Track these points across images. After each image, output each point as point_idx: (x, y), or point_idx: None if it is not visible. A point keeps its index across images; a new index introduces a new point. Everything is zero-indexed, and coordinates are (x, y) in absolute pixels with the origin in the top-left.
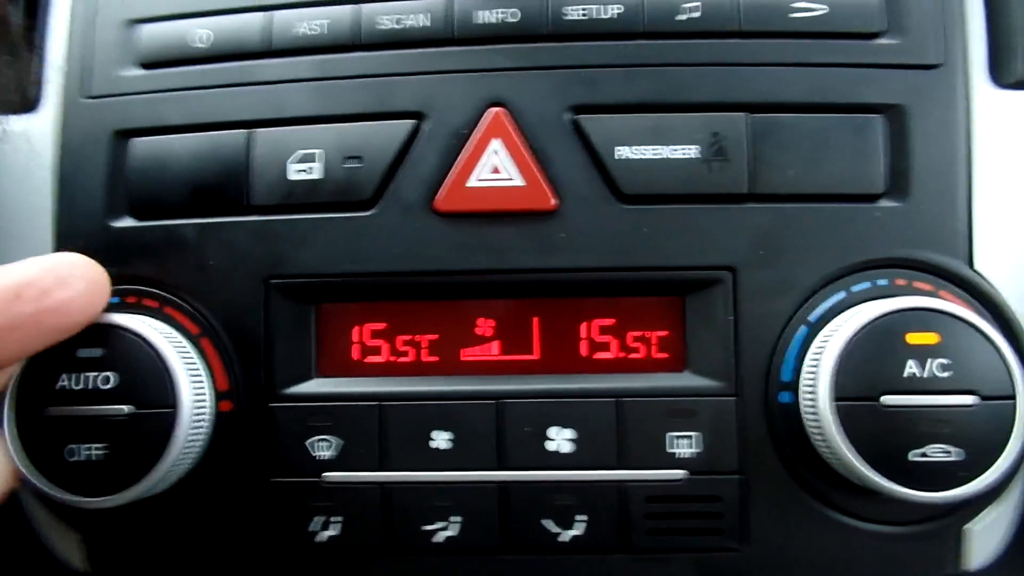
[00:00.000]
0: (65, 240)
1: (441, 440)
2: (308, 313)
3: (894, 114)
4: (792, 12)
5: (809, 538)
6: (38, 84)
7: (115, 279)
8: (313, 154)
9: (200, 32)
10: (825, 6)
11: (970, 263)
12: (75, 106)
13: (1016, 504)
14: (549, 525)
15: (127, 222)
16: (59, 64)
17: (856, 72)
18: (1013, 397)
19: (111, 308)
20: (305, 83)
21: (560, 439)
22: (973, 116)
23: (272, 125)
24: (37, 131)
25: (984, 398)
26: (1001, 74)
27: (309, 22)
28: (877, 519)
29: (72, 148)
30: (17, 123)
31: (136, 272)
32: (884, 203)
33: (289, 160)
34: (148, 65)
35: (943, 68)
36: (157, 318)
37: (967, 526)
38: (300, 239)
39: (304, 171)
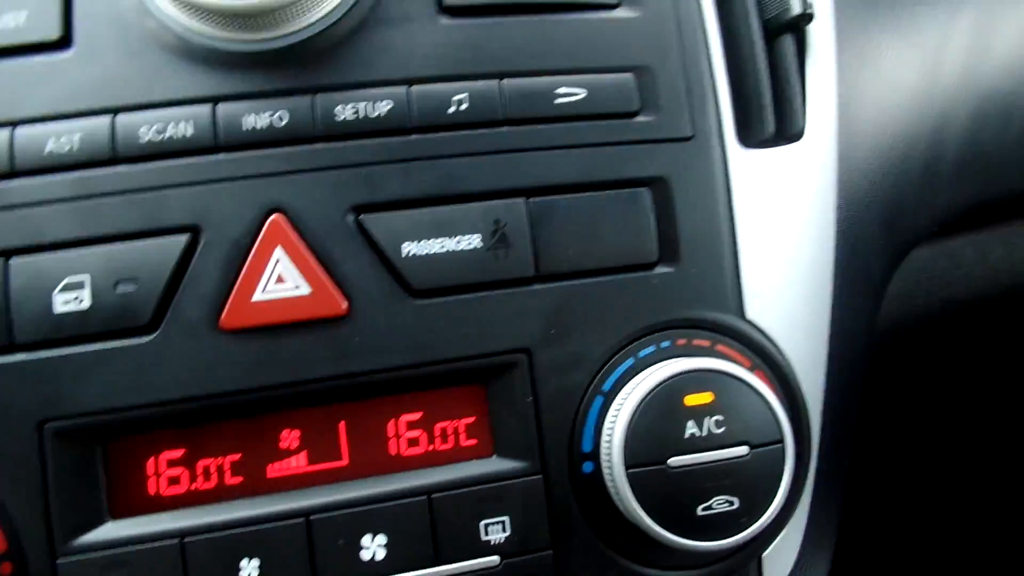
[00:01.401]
0: None
1: (251, 569)
2: (93, 454)
3: (658, 185)
4: (555, 98)
5: None
6: None
7: None
8: (80, 281)
9: None
10: (584, 90)
11: (742, 315)
12: None
13: (801, 522)
14: None
15: None
16: None
17: (619, 149)
18: (781, 441)
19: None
20: (61, 203)
21: (374, 546)
22: (730, 178)
23: (29, 253)
24: None
25: (754, 447)
26: (747, 137)
27: (58, 137)
28: (686, 566)
29: None
30: None
31: None
32: (659, 270)
33: (54, 291)
34: None
35: (696, 139)
36: None
37: (765, 554)
38: (75, 375)
39: (71, 301)
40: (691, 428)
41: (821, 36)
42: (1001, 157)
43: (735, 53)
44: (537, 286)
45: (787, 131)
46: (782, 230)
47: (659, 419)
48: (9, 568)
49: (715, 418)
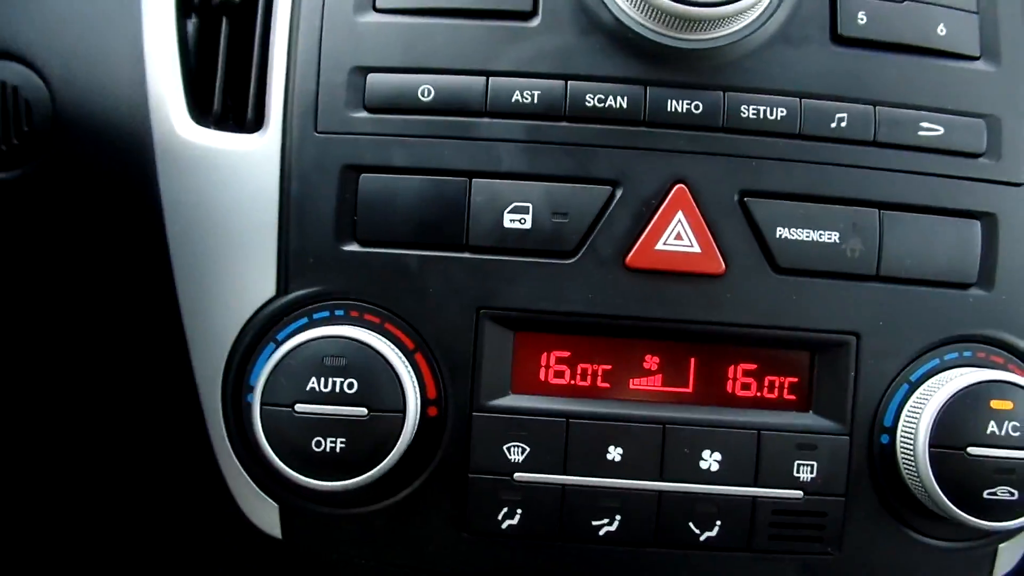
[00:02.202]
0: (297, 257)
1: (615, 454)
2: (509, 339)
3: (988, 220)
4: (919, 130)
5: (888, 549)
6: (258, 106)
7: (342, 295)
8: (526, 207)
9: (424, 87)
10: (942, 127)
11: None
12: (305, 138)
13: None
14: (692, 527)
15: (354, 247)
16: (279, 95)
17: (962, 183)
18: None
19: (336, 320)
20: (518, 143)
21: (711, 460)
22: None
23: (488, 177)
24: (263, 154)
25: None
26: None
27: (522, 91)
28: (942, 538)
29: (302, 175)
30: (242, 142)
31: (361, 290)
32: (973, 291)
33: (505, 210)
34: (374, 110)
35: None
36: (378, 333)
37: (1001, 545)
38: (509, 277)
39: (516, 221)
40: (992, 427)
41: None
42: None
43: None
44: (875, 284)
45: None
46: None
47: (968, 412)
48: (434, 412)
49: (1014, 423)
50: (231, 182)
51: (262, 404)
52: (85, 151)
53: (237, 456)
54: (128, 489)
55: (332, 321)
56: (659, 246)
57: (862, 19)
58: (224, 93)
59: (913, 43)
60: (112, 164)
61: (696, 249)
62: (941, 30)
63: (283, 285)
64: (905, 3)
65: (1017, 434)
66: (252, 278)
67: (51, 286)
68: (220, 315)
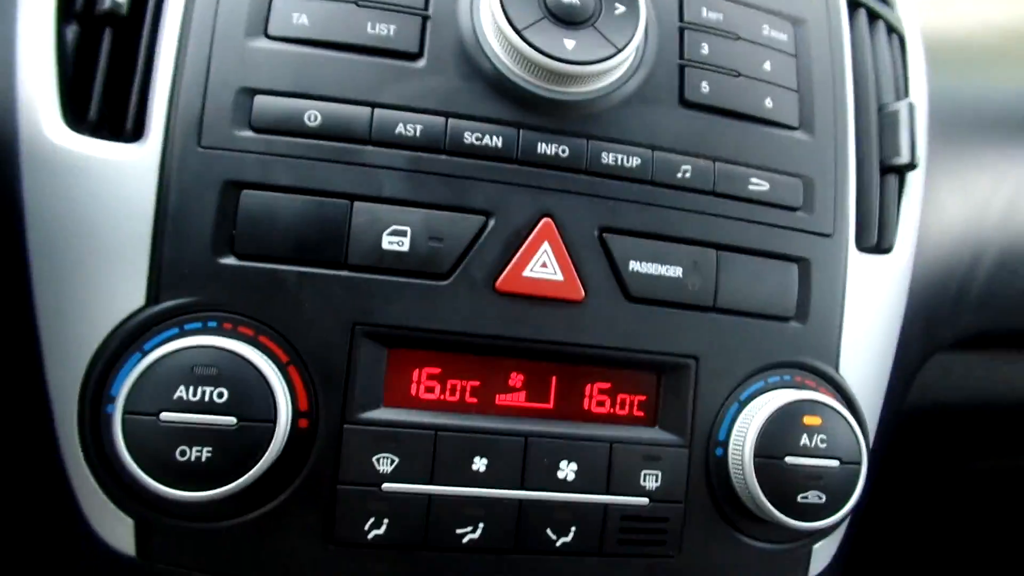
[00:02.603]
0: (171, 268)
1: (480, 464)
2: (383, 355)
3: (803, 264)
4: (749, 184)
5: (722, 551)
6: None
7: (216, 307)
8: (404, 230)
9: (311, 111)
10: (767, 183)
11: (837, 368)
12: (188, 151)
13: (839, 535)
14: (550, 533)
15: (231, 260)
16: (162, 107)
17: (783, 232)
18: (859, 463)
19: (209, 331)
20: (399, 171)
21: (568, 470)
22: (847, 270)
23: (369, 200)
24: (141, 164)
25: (842, 463)
26: (860, 241)
27: (406, 124)
28: (767, 540)
29: (182, 188)
30: (119, 151)
31: (236, 303)
32: (792, 324)
33: (384, 232)
34: (260, 130)
35: (833, 236)
36: (251, 345)
37: (815, 546)
38: (386, 296)
39: (395, 243)
40: (804, 439)
41: (916, 179)
42: (1012, 298)
43: (860, 180)
44: (712, 314)
45: (884, 244)
46: (870, 315)
47: (785, 427)
48: (305, 424)
49: (821, 436)
50: (103, 191)
51: (124, 412)
52: None
53: (91, 469)
54: None
55: (204, 332)
56: (526, 273)
57: (705, 88)
58: (103, 102)
59: (746, 112)
60: None
61: (559, 277)
62: (768, 103)
63: (154, 295)
64: (740, 78)
65: (824, 445)
66: (120, 288)
67: None
68: (81, 324)
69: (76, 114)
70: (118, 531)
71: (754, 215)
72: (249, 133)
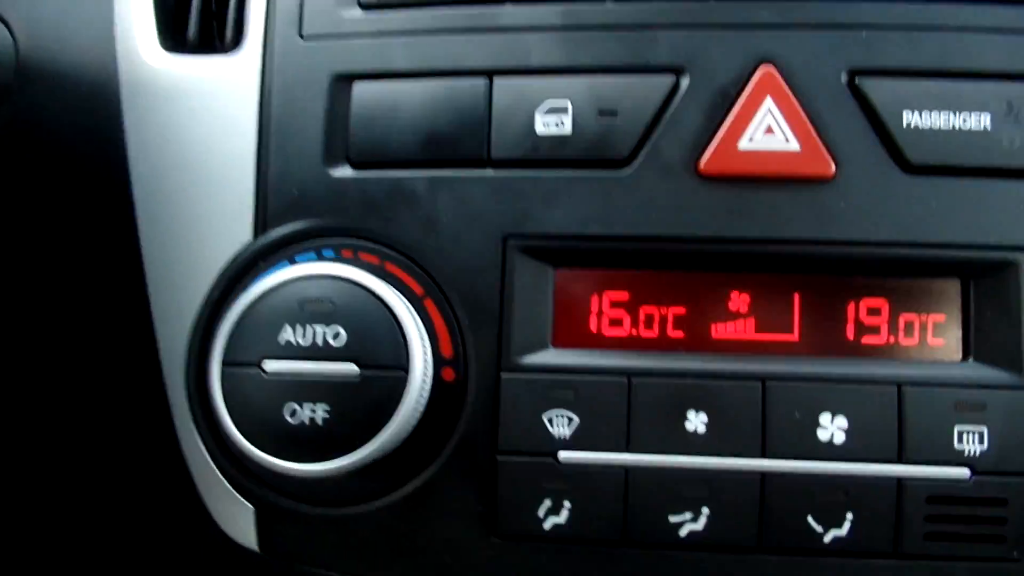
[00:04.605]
0: (277, 189)
1: (697, 422)
2: (548, 277)
3: None
4: None
5: None
6: (238, 24)
7: (331, 231)
8: (563, 105)
9: None
10: None
11: None
12: (288, 46)
13: None
14: (812, 523)
15: (346, 171)
16: (260, 5)
17: None
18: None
19: (325, 261)
20: (550, 31)
21: (833, 427)
22: None
23: (513, 74)
24: (240, 74)
25: None
26: None
27: None
28: None
29: (285, 90)
30: (217, 65)
31: (355, 225)
32: None
33: (537, 111)
34: (367, 6)
35: None
36: (377, 275)
37: None
38: (545, 197)
39: (553, 124)
40: None
41: None
42: None
43: None
44: None
45: None
46: None
47: None
48: (451, 375)
49: None
50: (204, 111)
51: (223, 364)
52: (51, 99)
53: (204, 443)
54: (84, 493)
55: (319, 262)
56: (743, 145)
57: None
58: (201, 19)
59: None
60: (77, 109)
61: (794, 146)
62: None
63: (261, 225)
64: None
65: None
66: (227, 221)
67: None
68: (188, 268)
69: (175, 39)
70: (240, 521)
71: None
72: (357, 12)
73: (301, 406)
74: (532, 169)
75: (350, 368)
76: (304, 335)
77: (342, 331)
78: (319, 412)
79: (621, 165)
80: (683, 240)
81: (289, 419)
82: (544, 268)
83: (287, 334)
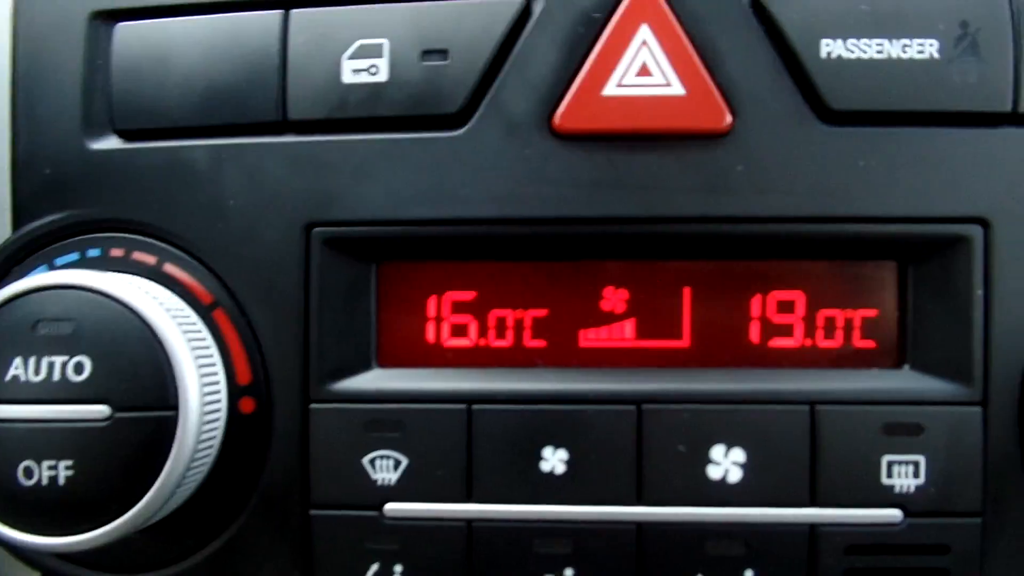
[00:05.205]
0: (28, 166)
1: (555, 460)
2: (367, 276)
3: None
4: None
5: None
6: None
7: (97, 223)
8: (377, 46)
9: None
10: None
11: None
12: None
13: None
14: None
15: (111, 142)
16: None
17: None
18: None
19: (87, 263)
20: None
21: (728, 462)
22: None
23: (314, 4)
24: None
25: None
26: None
27: None
28: None
29: (34, 35)
30: None
31: (124, 214)
32: None
33: (344, 55)
34: None
35: None
36: (154, 280)
37: None
38: (358, 170)
39: (364, 70)
40: None
41: None
42: None
43: None
44: (1011, 128)
45: None
46: None
47: None
48: (250, 406)
49: None
50: None
51: None
52: None
53: None
54: None
55: (83, 266)
56: (610, 89)
57: None
58: None
59: None
60: None
61: (678, 89)
62: None
63: (18, 217)
64: None
65: None
66: None
67: None
68: None
69: None
70: None
71: None
72: None
73: (38, 464)
74: (339, 133)
75: (98, 410)
76: (38, 369)
77: (87, 361)
78: (61, 470)
79: (454, 123)
80: (538, 222)
81: (24, 481)
82: (362, 265)
83: (15, 368)
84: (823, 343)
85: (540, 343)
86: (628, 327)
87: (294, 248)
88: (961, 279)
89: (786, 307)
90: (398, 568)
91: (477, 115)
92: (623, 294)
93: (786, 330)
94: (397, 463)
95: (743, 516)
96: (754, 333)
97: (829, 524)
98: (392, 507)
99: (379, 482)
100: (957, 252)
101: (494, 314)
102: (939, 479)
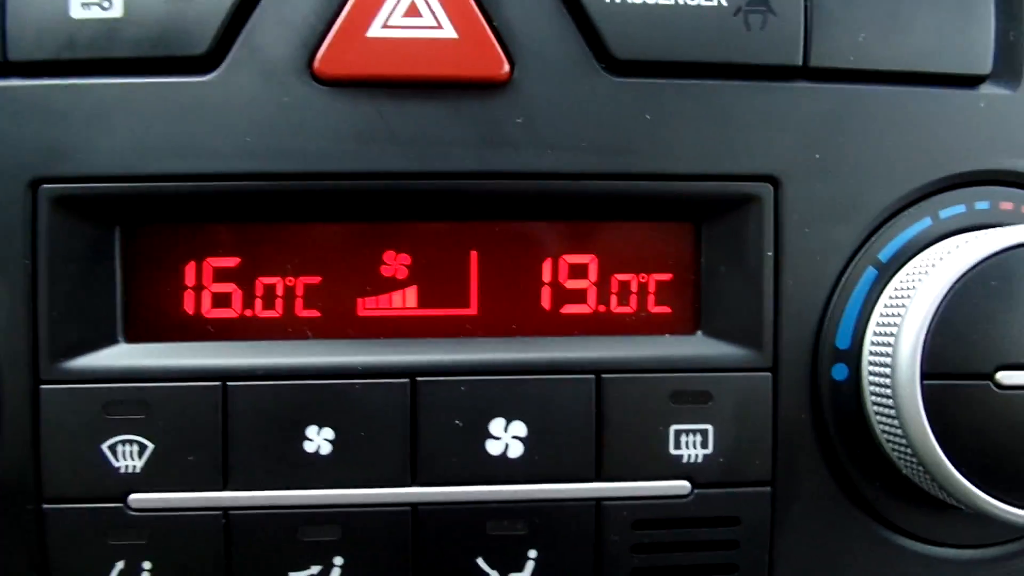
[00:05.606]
0: None
1: (320, 440)
2: (109, 240)
3: None
4: None
5: (855, 567)
6: None
7: None
8: None
9: None
10: None
11: None
12: None
13: None
14: (484, 566)
15: None
16: None
17: None
18: None
19: None
20: None
21: (508, 437)
22: None
23: None
24: None
25: None
26: None
27: None
28: (954, 543)
29: None
30: None
31: None
32: (989, 89)
33: None
34: None
35: None
36: None
37: None
38: (92, 118)
39: (96, 3)
40: None
41: None
42: None
43: None
44: (802, 83)
45: None
46: None
47: (992, 309)
48: None
49: None
50: None
51: None
52: None
53: None
54: None
55: None
56: (375, 31)
57: None
58: None
59: None
60: None
61: (449, 32)
62: None
63: None
64: None
65: None
66: None
67: None
68: None
69: None
70: None
71: None
72: None
73: None
74: (69, 77)
75: None
76: None
77: None
78: None
79: (202, 67)
80: (299, 176)
81: None
82: (102, 227)
83: None
84: (617, 309)
85: (314, 313)
86: (411, 294)
87: (18, 208)
88: (751, 240)
89: (578, 271)
90: (147, 565)
91: (228, 58)
92: (404, 259)
93: (579, 296)
94: (142, 448)
95: (525, 493)
96: (545, 299)
97: (615, 498)
98: (137, 497)
99: (121, 470)
100: (748, 212)
101: (261, 282)
102: (727, 448)
